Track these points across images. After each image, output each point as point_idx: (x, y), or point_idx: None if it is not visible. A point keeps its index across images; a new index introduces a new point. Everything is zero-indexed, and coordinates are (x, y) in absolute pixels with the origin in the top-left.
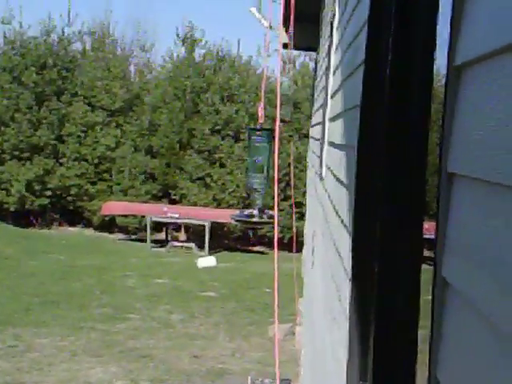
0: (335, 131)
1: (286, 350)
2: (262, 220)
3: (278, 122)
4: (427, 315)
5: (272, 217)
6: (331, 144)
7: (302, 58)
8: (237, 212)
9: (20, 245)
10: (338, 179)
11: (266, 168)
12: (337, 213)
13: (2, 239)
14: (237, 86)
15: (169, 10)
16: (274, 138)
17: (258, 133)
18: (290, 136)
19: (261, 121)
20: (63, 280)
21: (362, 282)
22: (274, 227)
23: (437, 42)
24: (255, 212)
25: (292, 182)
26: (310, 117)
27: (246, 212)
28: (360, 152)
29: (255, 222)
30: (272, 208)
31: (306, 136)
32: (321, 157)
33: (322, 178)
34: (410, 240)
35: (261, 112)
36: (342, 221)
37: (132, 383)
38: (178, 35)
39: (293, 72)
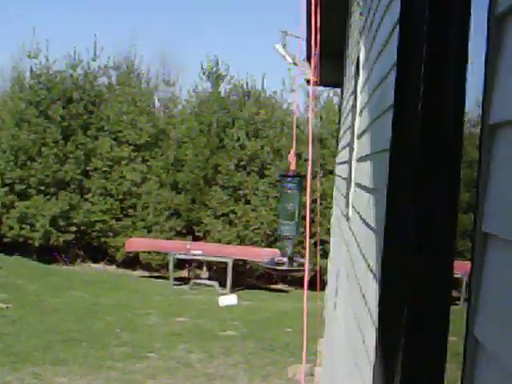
0: (363, 173)
1: None
2: (292, 268)
3: (310, 164)
4: (454, 365)
5: (302, 264)
6: (358, 185)
7: (326, 93)
8: (266, 259)
9: (43, 281)
10: (365, 222)
11: (296, 215)
12: (363, 256)
13: (26, 275)
14: (262, 122)
15: (193, 45)
16: (304, 184)
17: (289, 179)
18: (315, 172)
19: (292, 168)
20: (85, 318)
21: (388, 329)
22: (303, 274)
23: (467, 94)
24: (285, 260)
25: (317, 220)
26: (334, 153)
27: (276, 259)
28: (389, 198)
29: (285, 270)
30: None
31: (331, 172)
32: (347, 197)
33: (348, 219)
34: (440, 287)
35: (292, 159)
36: (369, 266)
37: None
38: (202, 70)
39: (317, 108)
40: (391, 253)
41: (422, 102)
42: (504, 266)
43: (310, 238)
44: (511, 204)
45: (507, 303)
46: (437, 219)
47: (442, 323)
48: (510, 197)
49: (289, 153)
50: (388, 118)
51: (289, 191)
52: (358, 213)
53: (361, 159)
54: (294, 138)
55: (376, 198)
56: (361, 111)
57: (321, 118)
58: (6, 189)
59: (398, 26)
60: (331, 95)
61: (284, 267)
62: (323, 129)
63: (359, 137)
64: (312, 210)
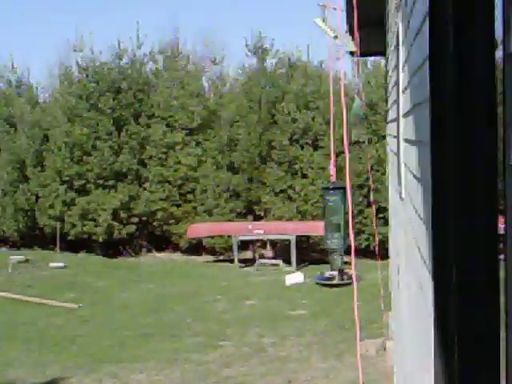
0: (408, 127)
1: (378, 366)
2: (343, 282)
3: (346, 143)
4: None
5: (351, 277)
6: (406, 141)
7: (374, 57)
8: (317, 274)
9: (110, 276)
10: (414, 176)
11: (342, 227)
12: (416, 211)
13: (93, 272)
14: (311, 93)
15: (235, 21)
16: (346, 195)
17: (331, 192)
18: (370, 140)
19: (333, 179)
20: (154, 311)
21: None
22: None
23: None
24: (335, 273)
25: (372, 187)
26: (385, 117)
27: (327, 274)
28: (433, 149)
29: (337, 285)
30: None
31: (385, 137)
32: (398, 154)
33: (400, 179)
34: (486, 237)
35: (332, 170)
36: (421, 218)
37: None
38: (247, 46)
39: (365, 73)
40: (439, 202)
41: (453, 49)
42: None
43: (370, 206)
44: None
45: None
46: (478, 163)
47: (492, 278)
48: None
49: (329, 165)
50: (425, 71)
51: (331, 204)
52: (408, 168)
53: (406, 114)
54: (344, 109)
55: (420, 150)
56: (403, 66)
57: (369, 82)
58: (65, 186)
59: None
60: (379, 59)
61: (335, 281)
62: (372, 94)
63: (404, 91)
64: (368, 179)
